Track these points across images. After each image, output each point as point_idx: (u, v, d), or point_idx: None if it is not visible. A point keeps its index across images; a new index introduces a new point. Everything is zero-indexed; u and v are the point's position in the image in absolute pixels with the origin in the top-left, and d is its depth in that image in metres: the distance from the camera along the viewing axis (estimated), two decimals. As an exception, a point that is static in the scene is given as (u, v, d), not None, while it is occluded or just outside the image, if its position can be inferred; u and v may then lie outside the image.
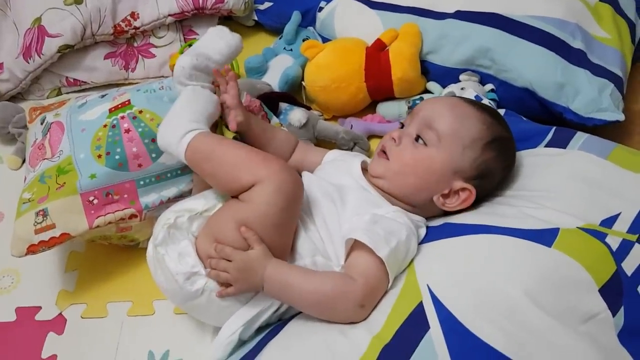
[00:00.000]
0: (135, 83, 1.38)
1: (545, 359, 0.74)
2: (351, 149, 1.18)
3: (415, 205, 0.93)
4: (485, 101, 1.13)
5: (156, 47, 1.43)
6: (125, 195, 0.99)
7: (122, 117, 1.01)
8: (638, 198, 0.86)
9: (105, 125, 1.00)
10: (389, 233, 0.83)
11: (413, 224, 0.88)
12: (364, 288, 0.80)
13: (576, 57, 1.14)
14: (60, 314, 1.04)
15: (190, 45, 1.36)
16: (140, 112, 1.01)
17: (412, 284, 0.81)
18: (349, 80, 1.23)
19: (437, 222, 0.91)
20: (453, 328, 0.75)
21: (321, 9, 1.38)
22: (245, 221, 0.82)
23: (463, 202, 0.91)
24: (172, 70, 1.31)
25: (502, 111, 1.13)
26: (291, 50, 1.36)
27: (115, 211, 0.98)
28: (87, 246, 1.13)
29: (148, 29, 1.41)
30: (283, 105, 1.20)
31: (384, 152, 0.94)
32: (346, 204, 0.89)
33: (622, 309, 0.78)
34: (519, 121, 1.10)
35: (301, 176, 0.93)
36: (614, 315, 0.78)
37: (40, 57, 1.35)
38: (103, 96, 1.08)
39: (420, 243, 0.87)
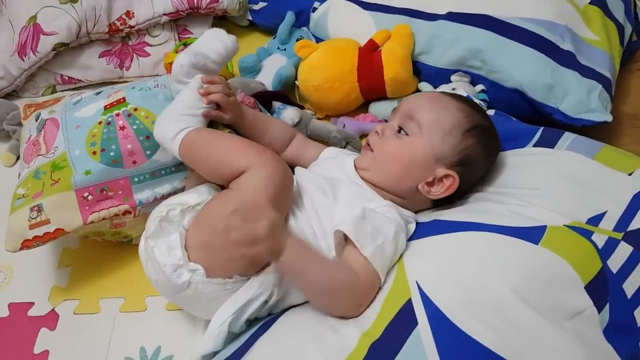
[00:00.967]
0: (130, 81, 1.38)
1: (532, 354, 0.75)
2: (343, 148, 1.19)
3: (403, 197, 0.94)
4: (476, 101, 1.14)
5: (151, 45, 1.44)
6: (120, 192, 0.99)
7: (117, 115, 1.01)
8: (624, 197, 0.87)
9: (100, 122, 1.01)
10: (376, 230, 0.84)
11: (403, 220, 0.89)
12: (364, 287, 0.82)
13: (565, 59, 1.15)
14: (53, 309, 1.04)
15: (185, 44, 1.37)
16: (135, 109, 1.02)
17: (401, 281, 0.82)
18: (342, 80, 1.24)
19: (427, 218, 0.92)
20: (441, 324, 0.76)
21: (315, 9, 1.39)
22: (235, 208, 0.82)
23: (447, 189, 0.92)
24: (166, 69, 1.33)
25: (492, 111, 1.15)
26: (285, 50, 1.37)
27: (110, 207, 0.98)
28: (80, 242, 1.13)
29: (143, 28, 1.42)
30: (276, 104, 1.21)
31: (369, 145, 0.97)
32: (338, 197, 0.90)
33: (607, 305, 0.79)
34: (508, 121, 1.11)
35: (294, 171, 0.95)
36: (599, 312, 0.79)
37: (35, 54, 1.35)
38: (98, 93, 1.08)
39: (410, 239, 0.88)
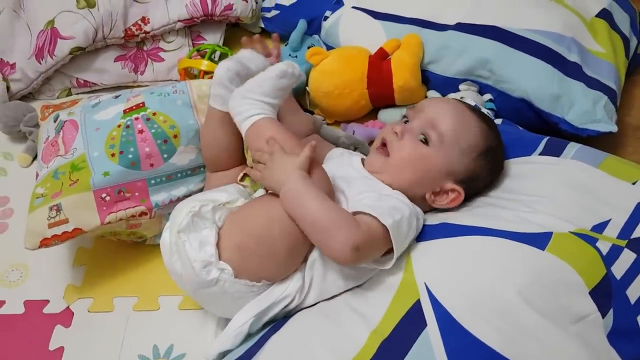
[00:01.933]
0: (145, 86, 1.40)
1: (537, 357, 0.77)
2: (352, 152, 1.21)
3: (410, 199, 0.95)
4: (484, 110, 1.16)
5: (165, 51, 1.46)
6: (137, 193, 1.01)
7: (136, 118, 1.04)
8: (628, 205, 0.89)
9: (119, 125, 1.03)
10: (392, 208, 0.86)
11: (415, 209, 0.92)
12: (364, 234, 0.81)
13: (572, 70, 1.17)
14: (68, 307, 1.06)
15: (198, 50, 1.40)
16: (154, 114, 1.04)
17: (409, 282, 0.84)
18: (352, 87, 1.26)
19: (435, 221, 0.94)
20: (449, 326, 0.78)
21: (326, 18, 1.41)
22: (278, 217, 0.84)
23: (451, 202, 0.95)
24: (180, 74, 1.36)
25: (499, 120, 1.17)
26: (296, 57, 1.39)
27: (127, 208, 1.01)
28: (95, 242, 1.15)
29: (158, 34, 1.44)
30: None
31: (384, 145, 0.97)
32: (352, 188, 0.92)
33: (611, 310, 0.81)
34: (515, 130, 1.13)
35: None
36: (603, 317, 0.81)
37: (52, 58, 1.37)
38: (117, 97, 1.10)
39: (418, 241, 0.90)
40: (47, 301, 1.07)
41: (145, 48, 1.46)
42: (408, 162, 0.95)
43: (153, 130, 1.02)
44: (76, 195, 0.98)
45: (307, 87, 1.31)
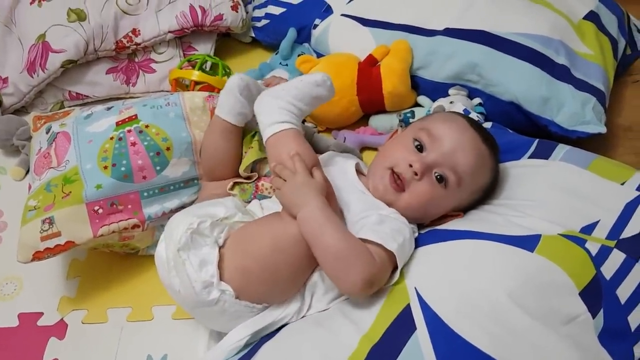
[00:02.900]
0: (137, 97, 1.41)
1: (528, 359, 0.77)
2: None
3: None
4: (473, 115, 1.17)
5: (156, 62, 1.47)
6: (129, 206, 1.02)
7: (129, 131, 1.04)
8: (616, 206, 0.90)
9: (112, 138, 1.04)
10: (395, 231, 0.87)
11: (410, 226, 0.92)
12: (378, 268, 0.82)
13: (560, 73, 1.18)
14: (62, 319, 1.06)
15: (189, 61, 1.41)
16: (147, 126, 1.05)
17: (400, 287, 0.84)
18: (342, 93, 1.26)
19: (425, 228, 0.95)
20: (439, 329, 0.78)
21: (316, 26, 1.42)
22: (283, 244, 0.84)
23: (449, 221, 0.97)
24: (171, 85, 1.37)
25: (489, 124, 1.17)
26: (287, 65, 1.40)
27: (119, 221, 1.01)
28: (88, 254, 1.15)
29: (149, 45, 1.45)
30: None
31: (398, 178, 0.94)
32: (350, 207, 0.92)
33: (601, 311, 0.82)
34: (505, 133, 1.14)
35: None
36: (594, 317, 0.81)
37: (44, 72, 1.38)
38: (109, 109, 1.11)
39: None
40: (41, 313, 1.08)
41: (136, 60, 1.46)
42: (423, 202, 0.94)
43: (146, 143, 1.03)
44: (69, 208, 0.98)
45: (298, 95, 1.32)
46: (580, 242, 0.86)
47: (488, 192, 0.99)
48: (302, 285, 0.89)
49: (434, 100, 1.28)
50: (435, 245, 0.89)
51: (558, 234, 0.87)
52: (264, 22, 1.55)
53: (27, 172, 1.30)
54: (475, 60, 1.22)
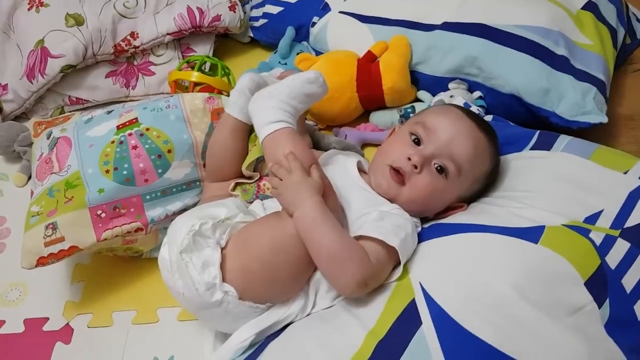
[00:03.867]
0: (136, 100, 1.41)
1: (534, 350, 0.77)
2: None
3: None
4: (474, 108, 1.17)
5: (155, 65, 1.47)
6: (132, 209, 1.01)
7: (130, 134, 1.04)
8: (620, 195, 0.89)
9: (113, 142, 1.03)
10: (396, 226, 0.86)
11: (413, 221, 0.92)
12: (373, 269, 0.82)
13: (560, 63, 1.18)
14: (67, 324, 1.06)
15: (188, 62, 1.41)
16: (148, 129, 1.05)
17: (405, 282, 0.84)
18: (342, 90, 1.27)
19: (428, 222, 0.95)
20: (444, 323, 0.78)
21: (314, 24, 1.42)
22: (284, 244, 0.84)
23: (453, 213, 0.96)
24: (171, 87, 1.37)
25: (490, 117, 1.17)
26: (285, 64, 1.40)
27: (122, 224, 1.01)
28: (92, 258, 1.15)
29: (147, 48, 1.45)
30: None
31: (398, 172, 0.94)
32: (351, 205, 0.92)
33: (607, 300, 0.81)
34: (506, 126, 1.13)
35: None
36: (600, 307, 0.81)
37: (43, 77, 1.38)
38: (109, 112, 1.10)
39: None
40: (47, 319, 1.08)
41: (135, 63, 1.47)
42: (424, 194, 0.94)
43: (147, 146, 1.03)
44: (72, 213, 0.98)
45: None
46: (584, 232, 0.85)
47: (490, 180, 0.99)
48: (304, 283, 0.89)
49: (434, 95, 1.28)
50: (438, 240, 0.89)
51: (562, 224, 0.86)
52: (262, 21, 1.55)
53: (29, 178, 1.30)
54: (474, 54, 1.22)
